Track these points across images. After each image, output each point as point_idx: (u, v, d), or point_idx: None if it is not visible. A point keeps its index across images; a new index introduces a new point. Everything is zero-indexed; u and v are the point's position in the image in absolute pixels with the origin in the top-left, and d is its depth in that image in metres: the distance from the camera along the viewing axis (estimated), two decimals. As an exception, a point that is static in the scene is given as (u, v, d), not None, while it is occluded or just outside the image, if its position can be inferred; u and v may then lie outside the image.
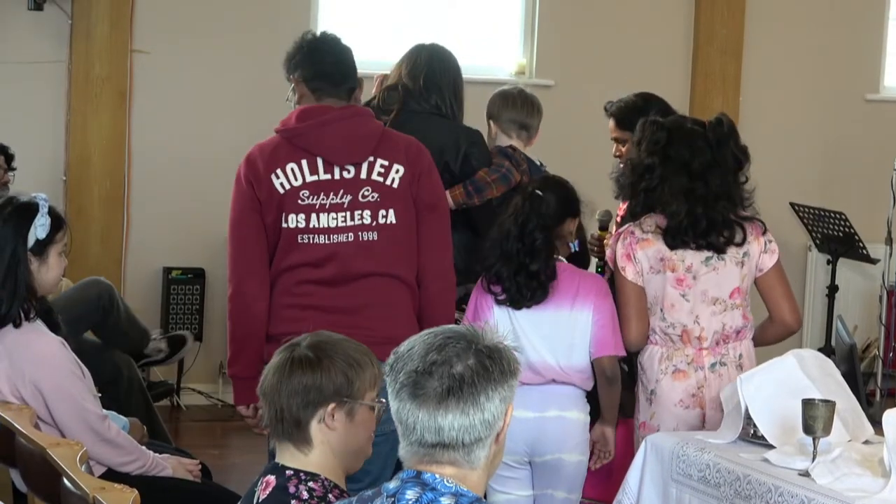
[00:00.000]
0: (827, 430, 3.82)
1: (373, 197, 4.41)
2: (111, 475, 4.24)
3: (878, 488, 3.71)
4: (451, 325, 2.75)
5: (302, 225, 4.41)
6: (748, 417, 4.17)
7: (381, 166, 4.43)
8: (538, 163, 5.17)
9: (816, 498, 3.71)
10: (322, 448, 3.17)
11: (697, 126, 4.75)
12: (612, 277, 5.06)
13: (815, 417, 3.80)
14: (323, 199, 4.41)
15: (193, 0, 8.13)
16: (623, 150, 5.47)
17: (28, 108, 7.89)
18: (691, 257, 4.65)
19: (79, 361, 4.41)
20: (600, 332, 4.66)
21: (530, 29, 8.82)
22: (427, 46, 5.21)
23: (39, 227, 4.33)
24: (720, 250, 4.64)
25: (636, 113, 5.43)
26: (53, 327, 4.48)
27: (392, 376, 2.67)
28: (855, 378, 6.12)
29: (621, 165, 5.52)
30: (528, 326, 4.65)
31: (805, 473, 3.81)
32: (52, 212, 4.38)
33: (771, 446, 4.06)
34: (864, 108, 9.59)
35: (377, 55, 8.27)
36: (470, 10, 8.69)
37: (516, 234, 4.61)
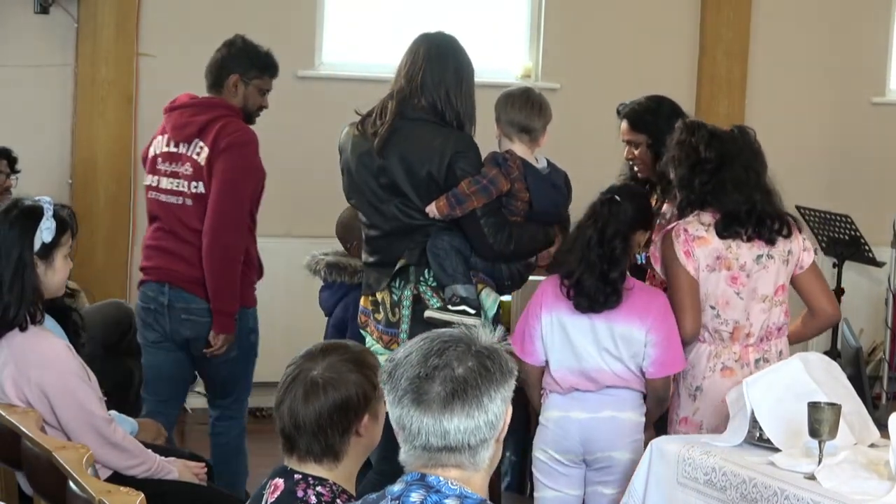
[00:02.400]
0: (833, 433, 3.82)
1: (189, 171, 5.62)
2: (117, 478, 4.24)
3: (884, 491, 3.71)
4: (445, 329, 2.74)
5: (154, 184, 5.74)
6: (754, 421, 4.17)
7: (199, 147, 5.62)
8: (545, 163, 5.10)
9: (822, 501, 3.71)
10: (349, 458, 3.18)
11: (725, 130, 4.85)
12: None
13: (820, 421, 3.81)
14: (167, 167, 5.70)
15: (199, 3, 8.13)
16: (636, 152, 5.48)
17: (34, 111, 7.90)
18: (745, 255, 4.72)
19: (84, 365, 4.41)
20: (661, 354, 4.67)
21: (536, 32, 8.82)
22: (423, 38, 5.09)
23: (45, 231, 4.33)
24: (771, 241, 4.73)
25: (649, 115, 5.45)
26: (70, 328, 4.49)
27: (392, 384, 2.66)
28: (860, 381, 6.13)
29: (636, 168, 5.53)
30: (581, 335, 4.67)
31: (811, 477, 3.82)
32: (57, 215, 4.38)
33: (777, 449, 4.06)
34: (870, 112, 9.59)
35: (382, 59, 8.29)
36: (475, 13, 8.68)
37: (597, 241, 4.62)
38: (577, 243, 4.67)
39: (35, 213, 4.34)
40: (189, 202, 5.62)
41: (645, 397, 4.76)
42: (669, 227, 4.83)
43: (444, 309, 4.88)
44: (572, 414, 4.69)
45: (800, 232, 4.85)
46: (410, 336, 4.86)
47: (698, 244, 4.72)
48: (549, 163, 5.09)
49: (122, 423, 4.66)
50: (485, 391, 2.63)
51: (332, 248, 5.91)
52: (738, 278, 4.72)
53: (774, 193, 4.81)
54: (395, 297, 4.99)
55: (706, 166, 4.73)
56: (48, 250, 4.35)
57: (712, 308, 4.73)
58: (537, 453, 4.77)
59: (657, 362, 4.66)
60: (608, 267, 4.61)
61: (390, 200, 4.96)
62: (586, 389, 4.68)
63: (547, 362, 4.74)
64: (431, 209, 4.86)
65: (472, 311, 4.86)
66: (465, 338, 2.67)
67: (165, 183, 5.68)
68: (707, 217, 4.75)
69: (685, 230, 4.74)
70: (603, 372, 4.66)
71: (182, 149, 5.66)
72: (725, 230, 4.71)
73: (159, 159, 5.72)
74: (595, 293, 4.62)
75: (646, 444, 4.81)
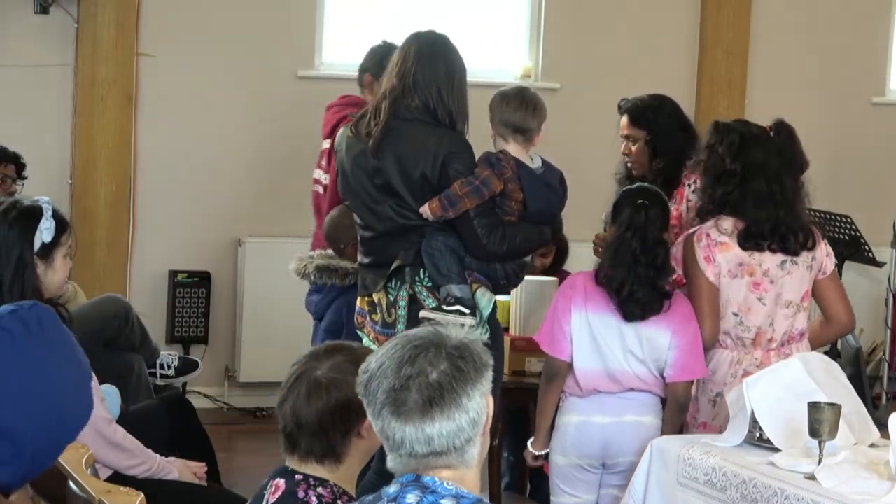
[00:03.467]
0: (833, 433, 3.82)
1: (325, 164, 6.10)
2: (117, 478, 4.24)
3: (884, 491, 3.71)
4: (414, 331, 2.70)
5: (316, 178, 6.26)
6: (754, 421, 4.17)
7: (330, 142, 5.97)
8: (539, 162, 5.07)
9: (822, 501, 3.71)
10: (350, 459, 3.16)
11: (760, 130, 4.81)
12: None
13: (820, 421, 3.81)
14: (323, 162, 6.20)
15: (199, 3, 8.13)
16: (633, 148, 5.47)
17: (34, 111, 7.90)
18: (768, 261, 4.71)
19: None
20: (682, 358, 4.65)
21: (536, 32, 8.81)
22: (414, 38, 5.09)
23: (45, 231, 4.32)
24: (795, 253, 4.71)
25: (650, 111, 5.44)
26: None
27: (369, 397, 2.64)
28: (861, 381, 6.14)
29: (630, 164, 5.52)
30: (609, 335, 4.66)
31: (811, 477, 3.81)
32: (56, 214, 4.38)
33: (777, 450, 4.06)
34: (870, 112, 9.59)
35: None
36: (475, 13, 8.68)
37: (641, 249, 4.60)
38: (621, 256, 4.61)
39: (34, 213, 4.33)
40: (322, 191, 6.22)
41: (664, 403, 4.75)
42: (691, 230, 4.82)
43: (438, 309, 4.87)
44: (594, 418, 4.67)
45: (822, 239, 4.85)
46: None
47: (720, 249, 4.72)
48: (543, 162, 5.07)
49: (106, 396, 4.67)
50: (462, 392, 2.60)
51: (318, 251, 5.89)
52: (762, 284, 4.71)
53: (801, 202, 4.78)
54: (392, 298, 4.98)
55: (731, 178, 4.72)
56: (48, 250, 4.35)
57: (735, 315, 4.73)
58: (557, 458, 4.74)
59: (677, 366, 4.64)
60: (655, 274, 4.60)
61: (385, 201, 4.96)
62: (608, 391, 4.65)
63: (570, 363, 4.73)
64: (425, 210, 4.85)
65: (467, 311, 4.86)
66: (434, 339, 2.64)
67: (319, 175, 6.30)
68: (727, 223, 4.74)
69: (707, 235, 4.74)
70: (626, 374, 4.65)
71: (326, 144, 6.20)
72: (747, 242, 4.70)
73: (321, 156, 6.31)
74: (647, 302, 4.60)
75: None
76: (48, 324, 2.53)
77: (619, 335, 4.65)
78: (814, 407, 3.83)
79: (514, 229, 4.93)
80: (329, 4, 8.39)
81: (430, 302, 4.91)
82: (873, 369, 9.04)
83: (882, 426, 4.06)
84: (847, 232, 8.47)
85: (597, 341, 4.66)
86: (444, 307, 4.85)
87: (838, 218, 8.51)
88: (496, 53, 8.73)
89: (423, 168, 4.86)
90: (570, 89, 8.70)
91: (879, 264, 8.69)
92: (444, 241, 4.89)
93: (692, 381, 4.71)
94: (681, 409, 4.72)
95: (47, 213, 4.33)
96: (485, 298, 4.94)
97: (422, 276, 4.94)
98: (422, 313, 4.88)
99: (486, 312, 4.93)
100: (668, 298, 4.62)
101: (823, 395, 4.07)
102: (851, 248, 8.47)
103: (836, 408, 3.83)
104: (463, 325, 2.71)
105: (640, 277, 4.59)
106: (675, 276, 4.81)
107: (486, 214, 4.88)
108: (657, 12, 9.03)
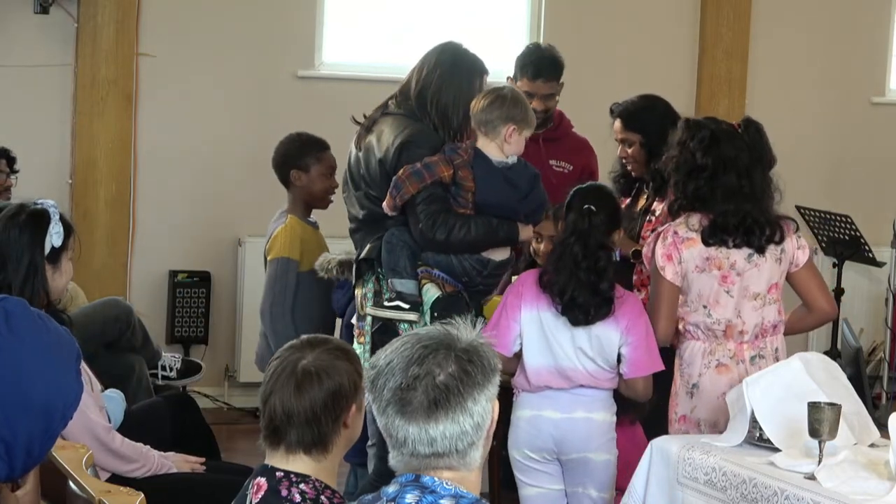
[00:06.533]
0: (833, 433, 3.82)
1: None
2: (117, 478, 4.24)
3: (884, 491, 3.71)
4: (424, 330, 2.69)
5: None
6: (754, 421, 4.17)
7: None
8: (506, 160, 5.00)
9: (822, 501, 3.71)
10: (335, 451, 3.17)
11: (729, 127, 4.82)
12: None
13: (820, 421, 3.81)
14: None
15: (199, 3, 8.13)
16: (629, 151, 5.47)
17: (34, 111, 7.89)
18: (735, 254, 4.72)
19: (87, 370, 4.41)
20: (634, 354, 4.66)
21: (536, 32, 8.81)
22: (441, 50, 5.15)
23: (55, 235, 4.31)
24: (760, 249, 4.70)
25: (643, 113, 5.45)
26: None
27: (375, 393, 2.64)
28: (861, 381, 6.14)
29: (629, 167, 5.53)
30: (559, 333, 4.67)
31: (811, 477, 3.82)
32: (62, 218, 4.38)
33: (777, 449, 4.07)
34: (870, 112, 9.58)
35: (382, 59, 8.29)
36: (475, 13, 8.68)
37: (583, 255, 4.61)
38: (564, 261, 4.64)
39: (43, 218, 4.32)
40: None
41: (615, 395, 4.76)
42: (661, 229, 4.84)
43: (380, 305, 4.88)
44: (545, 413, 4.69)
45: (794, 232, 4.85)
46: (372, 329, 4.88)
47: (686, 246, 4.73)
48: (519, 161, 5.02)
49: (110, 401, 4.66)
50: (468, 395, 2.60)
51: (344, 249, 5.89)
52: (729, 277, 4.73)
53: (769, 198, 4.79)
54: (364, 291, 5.01)
55: (702, 173, 4.73)
56: (57, 254, 4.34)
57: (704, 307, 4.74)
58: (513, 452, 4.78)
59: (630, 362, 4.66)
60: (596, 278, 4.61)
61: (360, 191, 5.02)
62: (559, 387, 4.67)
63: (521, 360, 4.74)
64: (385, 207, 4.89)
65: (406, 307, 4.85)
66: (445, 340, 2.64)
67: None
68: (696, 220, 4.75)
69: (675, 232, 4.75)
70: (577, 371, 4.67)
71: None
72: (711, 237, 4.71)
73: None
74: (589, 307, 4.62)
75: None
76: (17, 317, 2.51)
77: (570, 333, 4.66)
78: (814, 407, 3.84)
79: (461, 220, 4.89)
80: (329, 4, 8.39)
81: (388, 296, 4.91)
82: (873, 369, 9.04)
83: (882, 426, 4.06)
84: (847, 232, 8.48)
85: (547, 339, 4.67)
86: (385, 303, 4.86)
87: (838, 218, 8.51)
88: (496, 54, 8.71)
89: (380, 156, 4.91)
90: (570, 89, 8.69)
91: (879, 264, 8.69)
92: (399, 235, 4.91)
93: (651, 377, 4.71)
94: (638, 404, 4.78)
95: (55, 217, 4.32)
96: (428, 294, 4.93)
97: (382, 270, 4.96)
98: (367, 310, 4.90)
99: (427, 308, 4.90)
100: (612, 303, 4.62)
101: (823, 395, 4.07)
102: (851, 248, 8.47)
103: (836, 408, 3.83)
104: (473, 327, 2.69)
105: (582, 282, 4.60)
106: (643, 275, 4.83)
107: (432, 202, 4.85)
108: (657, 13, 9.03)
